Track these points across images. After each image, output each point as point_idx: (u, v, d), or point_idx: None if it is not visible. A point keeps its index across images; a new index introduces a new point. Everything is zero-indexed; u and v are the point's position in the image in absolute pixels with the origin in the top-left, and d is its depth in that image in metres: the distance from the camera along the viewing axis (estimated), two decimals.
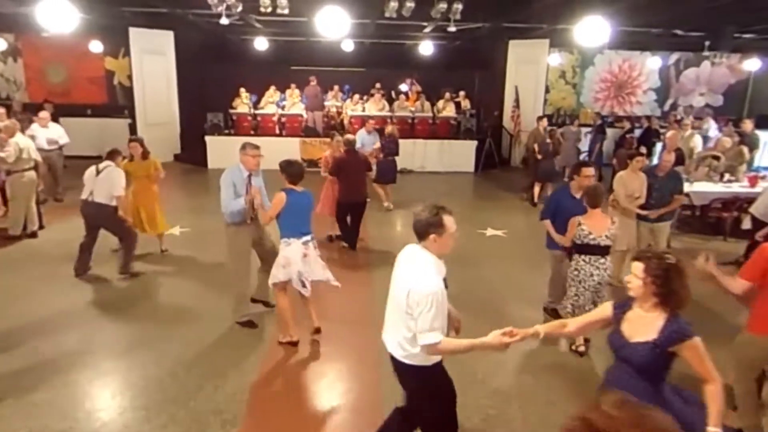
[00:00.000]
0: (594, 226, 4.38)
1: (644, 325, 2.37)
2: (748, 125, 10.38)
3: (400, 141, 10.20)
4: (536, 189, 10.02)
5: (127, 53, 12.91)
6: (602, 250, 4.40)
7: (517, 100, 13.72)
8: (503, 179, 12.59)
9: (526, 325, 2.66)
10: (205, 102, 13.74)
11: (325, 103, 14.32)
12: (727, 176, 8.64)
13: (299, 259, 4.46)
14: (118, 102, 14.20)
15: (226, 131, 13.35)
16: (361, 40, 13.95)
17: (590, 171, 4.99)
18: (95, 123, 13.71)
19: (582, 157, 12.98)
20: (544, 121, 10.62)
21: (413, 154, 13.02)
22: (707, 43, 12.20)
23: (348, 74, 15.80)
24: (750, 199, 7.21)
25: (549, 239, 5.06)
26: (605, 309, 2.60)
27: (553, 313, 5.13)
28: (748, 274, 3.26)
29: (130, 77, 13.11)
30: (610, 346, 2.52)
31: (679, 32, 12.00)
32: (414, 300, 2.54)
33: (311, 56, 15.17)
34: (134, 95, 12.92)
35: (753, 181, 8.29)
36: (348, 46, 13.54)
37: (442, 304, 2.54)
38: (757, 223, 6.08)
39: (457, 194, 11.28)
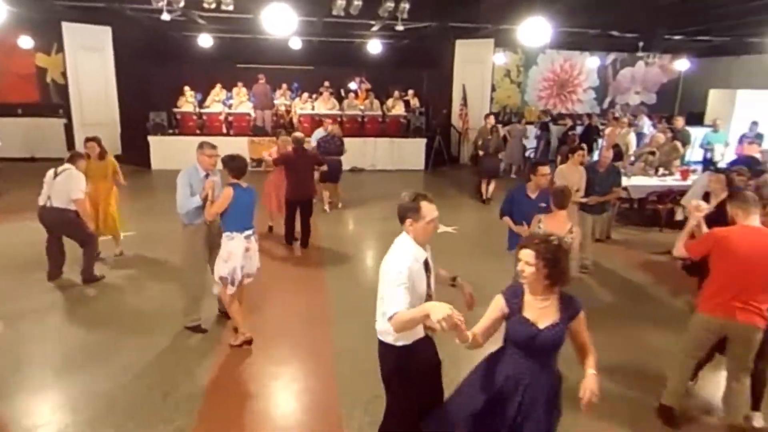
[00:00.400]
0: (552, 226, 4.37)
1: (544, 309, 2.46)
2: (679, 122, 10.99)
3: (350, 140, 10.19)
4: (484, 186, 10.25)
5: (61, 49, 12.26)
6: None
7: (464, 99, 13.98)
8: (453, 176, 12.81)
9: (477, 321, 2.70)
10: (147, 101, 13.23)
11: (275, 102, 14.11)
12: (661, 170, 9.14)
13: (241, 254, 4.43)
14: (52, 101, 13.47)
15: (170, 131, 12.93)
16: (309, 38, 13.84)
17: (546, 170, 5.07)
18: (27, 123, 12.97)
19: (527, 154, 13.40)
20: (491, 119, 10.88)
21: (364, 152, 13.04)
22: (641, 44, 12.85)
23: (296, 72, 15.63)
24: (682, 192, 7.66)
25: (510, 241, 5.11)
26: (498, 302, 2.57)
27: None
28: (693, 249, 3.49)
29: (64, 74, 12.45)
30: (518, 338, 2.49)
31: (615, 33, 12.58)
32: (382, 276, 2.64)
33: (258, 54, 14.90)
34: (69, 94, 12.29)
35: (685, 175, 8.79)
36: (296, 43, 13.40)
37: (411, 284, 2.58)
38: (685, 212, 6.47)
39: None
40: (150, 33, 13.39)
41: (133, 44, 13.16)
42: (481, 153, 10.20)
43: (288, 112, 14.29)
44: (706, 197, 5.30)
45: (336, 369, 4.33)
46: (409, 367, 2.74)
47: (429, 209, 2.68)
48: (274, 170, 7.67)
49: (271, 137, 12.49)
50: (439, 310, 2.21)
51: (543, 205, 4.74)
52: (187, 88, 13.42)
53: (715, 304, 3.38)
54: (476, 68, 14.30)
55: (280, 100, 14.46)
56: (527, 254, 2.43)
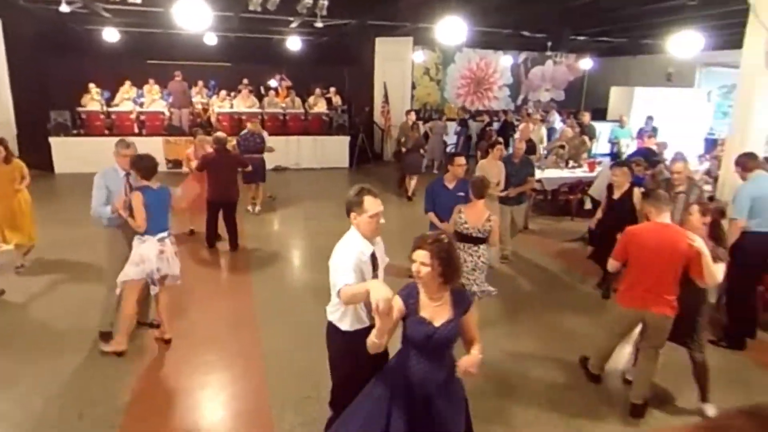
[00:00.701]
0: (471, 216, 4.54)
1: (438, 307, 2.52)
2: (586, 117, 11.75)
3: (273, 138, 9.98)
4: (408, 182, 10.43)
5: None
6: (475, 240, 4.60)
7: (386, 96, 14.12)
8: (377, 173, 12.91)
9: None
10: (47, 99, 12.22)
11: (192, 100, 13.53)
12: (571, 163, 9.74)
13: (154, 257, 4.26)
14: None
15: (75, 131, 12.04)
16: (225, 33, 13.36)
17: (462, 160, 5.32)
18: None
19: (448, 149, 13.78)
20: (412, 115, 11.08)
21: (287, 151, 12.84)
22: (549, 44, 13.57)
23: (213, 69, 15.07)
24: (590, 183, 8.20)
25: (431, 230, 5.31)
26: (397, 303, 2.52)
27: None
28: (616, 255, 3.75)
29: None
30: (416, 338, 2.49)
31: (526, 33, 13.19)
32: (331, 267, 2.74)
33: (171, 49, 14.17)
34: None
35: (592, 167, 9.42)
36: (211, 39, 12.90)
37: (355, 268, 2.68)
38: (596, 203, 6.94)
39: (332, 190, 11.33)
40: (48, 25, 12.35)
41: (28, 38, 12.08)
42: (404, 150, 10.37)
43: (205, 110, 13.74)
44: (610, 188, 5.71)
45: (266, 372, 4.25)
46: (353, 352, 2.76)
47: (372, 204, 2.75)
48: (192, 169, 7.38)
49: (188, 137, 11.97)
50: (380, 291, 2.23)
51: (461, 194, 4.90)
52: (92, 86, 12.52)
53: (630, 296, 3.65)
54: (396, 66, 14.49)
55: (197, 98, 13.88)
56: (422, 255, 2.45)
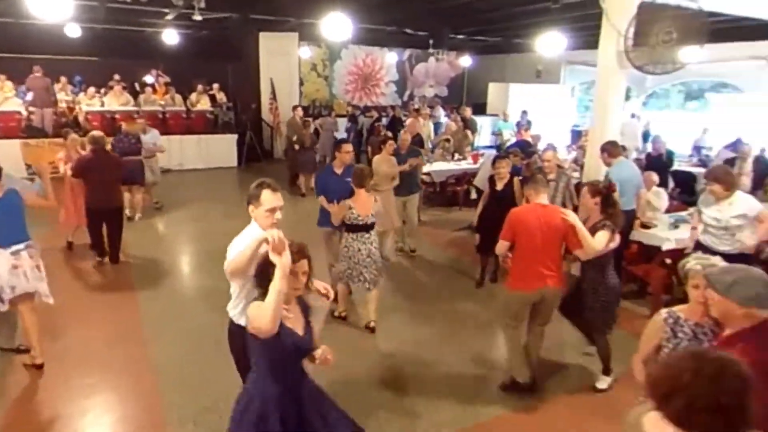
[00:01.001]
0: (360, 206, 4.72)
1: (296, 316, 2.52)
2: (467, 112, 12.40)
3: None
4: (301, 179, 10.31)
5: None
6: (368, 227, 4.80)
7: (273, 92, 13.82)
8: (268, 172, 12.58)
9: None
10: None
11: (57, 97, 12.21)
12: (456, 155, 10.24)
13: (5, 272, 3.79)
14: None
15: None
16: (91, 25, 12.19)
17: (349, 147, 5.51)
18: None
19: None
20: (300, 110, 10.97)
21: (168, 151, 12.03)
22: (431, 41, 14.13)
23: (77, 64, 13.73)
24: (474, 174, 8.67)
25: (320, 218, 5.33)
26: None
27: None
28: (504, 236, 3.83)
29: None
30: (288, 349, 2.41)
31: (408, 31, 13.60)
32: (227, 255, 2.68)
33: (25, 41, 12.60)
34: None
35: (475, 159, 9.97)
36: (74, 31, 11.70)
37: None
38: (481, 193, 7.34)
39: (220, 190, 10.90)
40: None
41: None
42: (297, 147, 10.23)
43: (71, 109, 12.48)
44: (492, 180, 6.01)
45: (158, 387, 3.98)
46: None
47: (269, 198, 2.73)
48: (67, 175, 6.56)
49: (53, 138, 10.79)
50: (274, 233, 2.24)
51: (349, 179, 5.01)
52: None
53: (528, 278, 3.76)
54: (282, 61, 14.22)
55: (60, 95, 12.57)
56: (305, 264, 2.47)
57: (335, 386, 4.03)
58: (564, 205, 5.38)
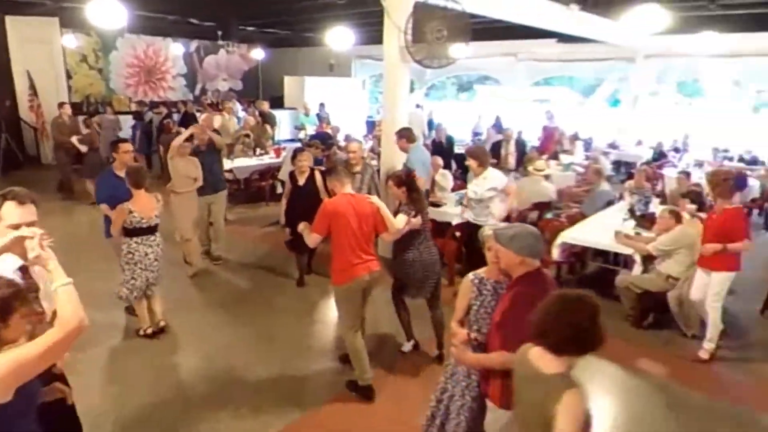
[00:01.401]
0: (141, 208, 4.40)
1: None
2: (264, 105, 12.23)
3: None
4: (88, 185, 8.98)
5: None
6: (152, 230, 4.52)
7: (33, 87, 11.80)
8: (36, 179, 10.65)
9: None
10: None
11: None
12: (258, 150, 10.03)
13: None
14: None
15: None
16: None
17: (128, 146, 5.17)
18: None
19: None
20: (67, 108, 9.61)
21: None
22: (220, 32, 13.50)
23: None
24: (279, 168, 8.61)
25: (107, 228, 4.74)
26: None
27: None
28: (317, 229, 3.76)
29: None
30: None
31: (194, 21, 12.80)
32: None
33: None
34: None
35: (278, 153, 9.90)
36: None
37: None
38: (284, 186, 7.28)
39: None
40: None
41: None
42: (84, 149, 8.88)
43: None
44: (293, 175, 5.92)
45: None
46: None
47: (10, 212, 2.31)
48: None
49: None
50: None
51: None
52: None
53: (354, 268, 3.75)
54: (41, 51, 12.19)
55: None
56: None
57: (146, 410, 3.68)
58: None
